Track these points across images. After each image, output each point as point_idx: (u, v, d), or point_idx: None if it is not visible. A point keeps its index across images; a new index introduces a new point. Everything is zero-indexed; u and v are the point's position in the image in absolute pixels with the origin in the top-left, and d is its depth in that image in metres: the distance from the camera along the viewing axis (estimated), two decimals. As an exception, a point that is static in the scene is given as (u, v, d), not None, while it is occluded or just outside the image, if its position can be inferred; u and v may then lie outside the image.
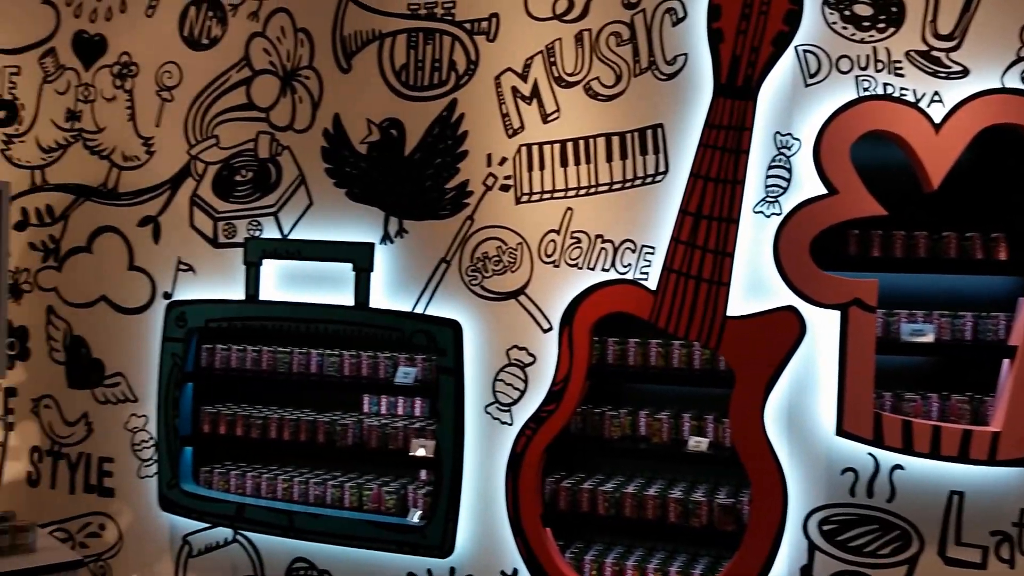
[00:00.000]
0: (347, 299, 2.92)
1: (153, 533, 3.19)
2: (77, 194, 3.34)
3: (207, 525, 3.09)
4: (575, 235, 2.68)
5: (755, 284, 2.46)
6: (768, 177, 2.47)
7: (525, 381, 2.73)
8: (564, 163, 2.69)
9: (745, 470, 2.42)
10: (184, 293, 3.19)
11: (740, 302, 2.45)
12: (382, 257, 2.90)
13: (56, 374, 3.38)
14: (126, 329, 3.28)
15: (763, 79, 2.43)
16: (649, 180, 2.60)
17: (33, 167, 3.41)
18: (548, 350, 2.70)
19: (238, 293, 3.07)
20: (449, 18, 2.82)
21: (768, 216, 2.46)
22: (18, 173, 3.38)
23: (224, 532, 3.08)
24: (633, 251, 2.60)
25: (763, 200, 2.47)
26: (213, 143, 3.13)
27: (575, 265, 2.68)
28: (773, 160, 2.46)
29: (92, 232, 3.33)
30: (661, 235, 2.55)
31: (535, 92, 2.72)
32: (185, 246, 3.18)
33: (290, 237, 3.04)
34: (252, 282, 3.04)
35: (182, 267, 3.19)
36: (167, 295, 3.21)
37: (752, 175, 2.46)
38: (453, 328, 2.77)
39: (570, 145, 2.69)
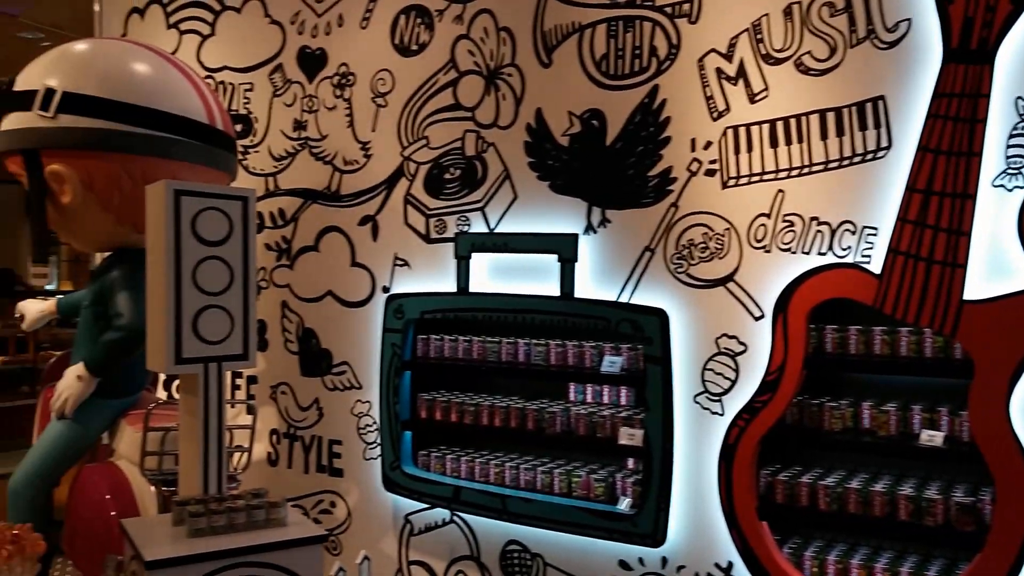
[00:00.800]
0: (553, 289, 2.98)
1: (378, 512, 3.42)
2: (305, 197, 3.65)
3: (427, 506, 3.27)
4: (787, 218, 2.57)
5: (996, 264, 2.25)
6: (1009, 147, 2.24)
7: (736, 370, 2.66)
8: (774, 144, 2.59)
9: (987, 466, 2.22)
10: (401, 287, 3.39)
11: (979, 284, 2.25)
12: (586, 247, 2.93)
13: (291, 363, 3.71)
14: (350, 321, 3.54)
15: (1000, 40, 2.21)
16: (870, 157, 2.44)
17: (266, 174, 3.76)
18: (759, 338, 2.61)
19: (450, 286, 3.22)
20: (649, 3, 2.79)
21: (1010, 190, 2.24)
22: (254, 180, 3.74)
23: (442, 513, 3.25)
24: (853, 233, 2.46)
25: (1004, 172, 2.25)
26: (424, 144, 3.30)
27: (788, 249, 2.57)
28: (1015, 128, 2.23)
29: (319, 232, 3.62)
30: (885, 215, 2.39)
31: (741, 72, 2.64)
32: (400, 242, 3.38)
33: (497, 231, 3.14)
34: (462, 275, 3.18)
35: (398, 262, 3.39)
36: (385, 289, 3.43)
37: (990, 146, 2.24)
38: (659, 317, 2.75)
39: (780, 124, 2.58)
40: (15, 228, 13.50)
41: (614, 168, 2.87)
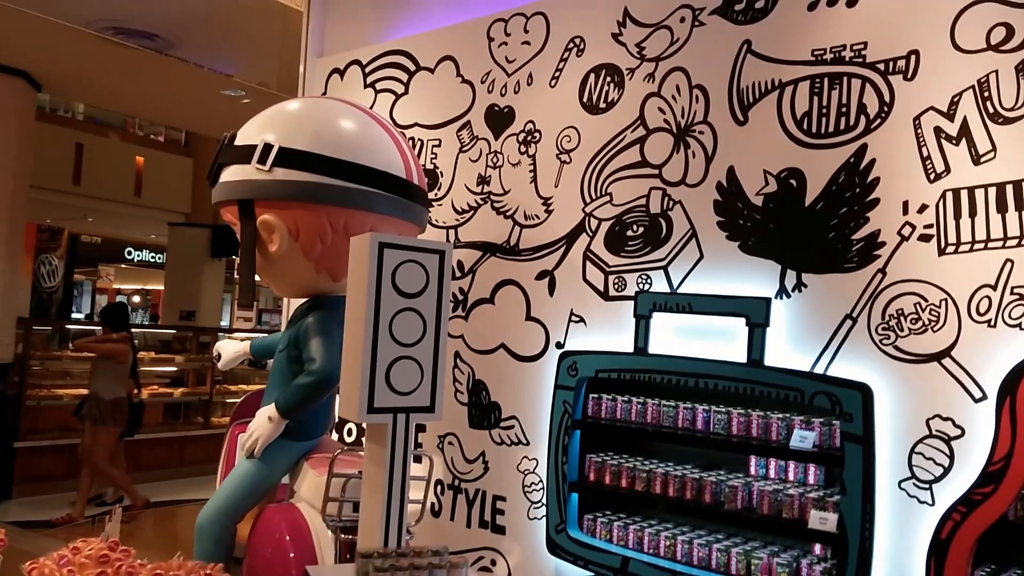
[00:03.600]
0: (739, 355, 2.83)
1: (539, 575, 3.33)
2: (484, 251, 3.70)
3: (592, 574, 3.15)
4: (1017, 290, 2.33)
5: None
6: None
7: (950, 457, 2.41)
8: (1002, 208, 2.36)
9: None
10: (575, 344, 3.34)
11: None
12: (778, 312, 2.78)
13: (459, 414, 3.72)
14: (522, 375, 3.52)
15: None
16: (1122, 226, 2.18)
17: (448, 227, 3.84)
18: (980, 422, 2.36)
19: (627, 345, 3.14)
20: (859, 60, 2.65)
21: None
22: (437, 233, 3.84)
23: (608, 582, 3.12)
24: (1100, 310, 2.19)
25: None
26: (607, 200, 3.27)
27: (1017, 325, 2.32)
28: None
29: (495, 285, 3.64)
30: None
31: (964, 131, 2.44)
32: (577, 298, 3.35)
33: (680, 291, 3.05)
34: (641, 335, 3.10)
35: (574, 318, 3.35)
36: (559, 345, 3.39)
37: None
38: (862, 391, 2.54)
39: (1009, 188, 2.36)
40: (200, 268, 14.64)
41: (813, 230, 2.72)
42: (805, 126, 2.77)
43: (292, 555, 2.68)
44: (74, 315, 15.74)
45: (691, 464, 3.10)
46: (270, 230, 2.93)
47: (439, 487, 3.76)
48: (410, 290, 2.41)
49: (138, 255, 19.88)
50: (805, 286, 2.75)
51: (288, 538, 2.72)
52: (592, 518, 3.22)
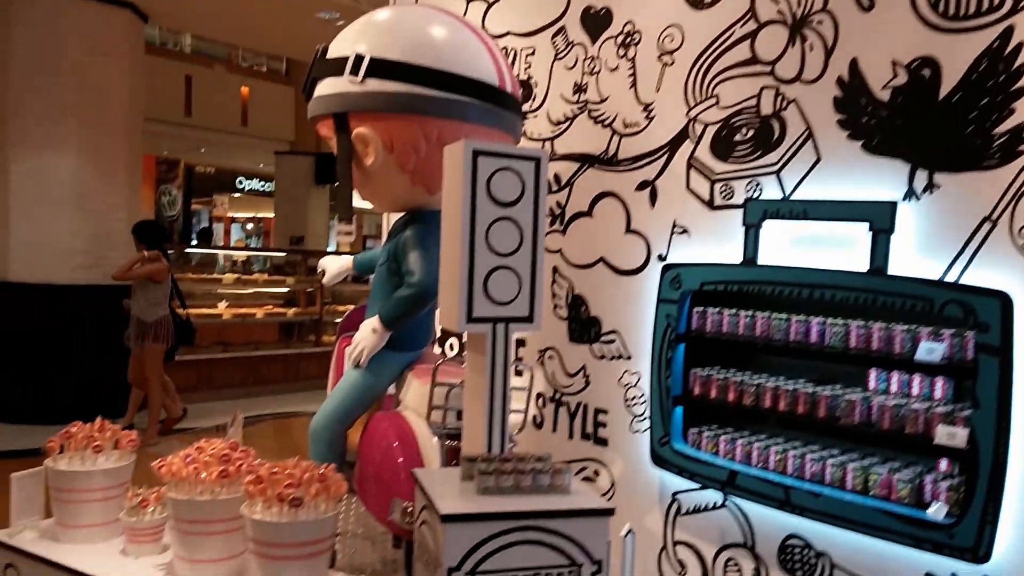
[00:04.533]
0: (859, 264, 2.65)
1: (643, 486, 3.31)
2: (581, 162, 3.58)
3: (697, 486, 3.11)
4: None
5: None
6: None
7: (1098, 368, 2.20)
8: None
9: None
10: (678, 256, 3.22)
11: None
12: (905, 216, 2.57)
13: (559, 329, 3.68)
14: (622, 290, 3.43)
15: None
16: None
17: (544, 139, 3.73)
18: None
19: (735, 256, 3.00)
20: (1009, -73, 2.35)
21: None
22: (532, 145, 3.74)
23: (714, 495, 3.07)
24: None
25: None
26: (712, 103, 3.08)
27: None
28: None
29: (593, 198, 3.54)
30: None
31: None
32: (681, 209, 3.21)
33: (793, 197, 2.86)
34: (751, 245, 2.95)
35: (677, 230, 3.22)
36: (662, 257, 3.28)
37: None
38: (1001, 300, 2.34)
39: None
40: (306, 196, 15.04)
41: (948, 125, 2.47)
42: (941, 8, 2.49)
43: (400, 460, 2.73)
44: (193, 243, 16.54)
45: (802, 378, 2.97)
46: (365, 143, 2.91)
47: (540, 400, 3.77)
48: (506, 199, 2.35)
49: (249, 184, 20.62)
50: (937, 187, 2.52)
51: (396, 444, 2.78)
52: (697, 432, 3.16)
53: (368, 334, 2.96)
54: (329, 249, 15.55)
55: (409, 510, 2.68)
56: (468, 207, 2.30)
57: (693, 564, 3.12)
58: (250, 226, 23.76)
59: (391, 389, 3.23)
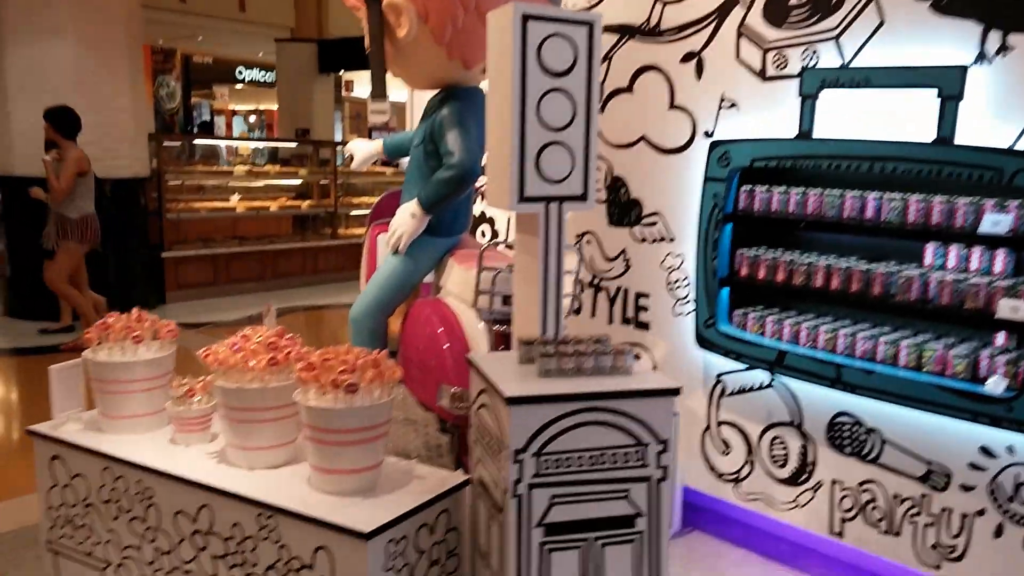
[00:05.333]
0: (922, 135, 2.52)
1: (687, 369, 3.29)
2: (620, 34, 3.38)
3: (743, 367, 3.08)
4: None
5: None
6: None
7: None
8: None
9: None
10: (726, 132, 3.08)
11: None
12: (975, 81, 2.42)
13: (597, 212, 3.58)
14: (665, 169, 3.31)
15: None
16: None
17: (580, 9, 3.51)
18: None
19: (789, 130, 2.86)
20: None
21: None
22: (567, 17, 3.52)
23: (760, 376, 3.05)
24: None
25: None
26: (767, -37, 2.87)
27: None
28: None
29: (634, 72, 3.36)
30: None
31: None
32: (729, 81, 3.04)
33: (853, 64, 2.69)
34: (806, 117, 2.80)
35: (725, 104, 3.06)
36: (708, 134, 3.14)
37: None
38: (1079, 166, 2.22)
39: None
40: (310, 85, 14.60)
41: (1034, -23, 2.29)
42: None
43: (446, 346, 2.70)
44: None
45: (855, 255, 2.88)
46: (397, 13, 2.73)
47: (579, 287, 3.71)
48: (557, 68, 2.21)
49: (249, 74, 20.04)
50: (1011, 48, 2.36)
51: (440, 330, 2.74)
52: (743, 313, 3.10)
53: (407, 219, 2.87)
54: (336, 139, 15.24)
55: (459, 395, 2.67)
56: (518, 78, 2.16)
57: (738, 443, 3.13)
58: (252, 119, 23.26)
59: (429, 277, 3.16)
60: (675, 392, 1.99)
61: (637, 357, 3.52)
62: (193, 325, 7.01)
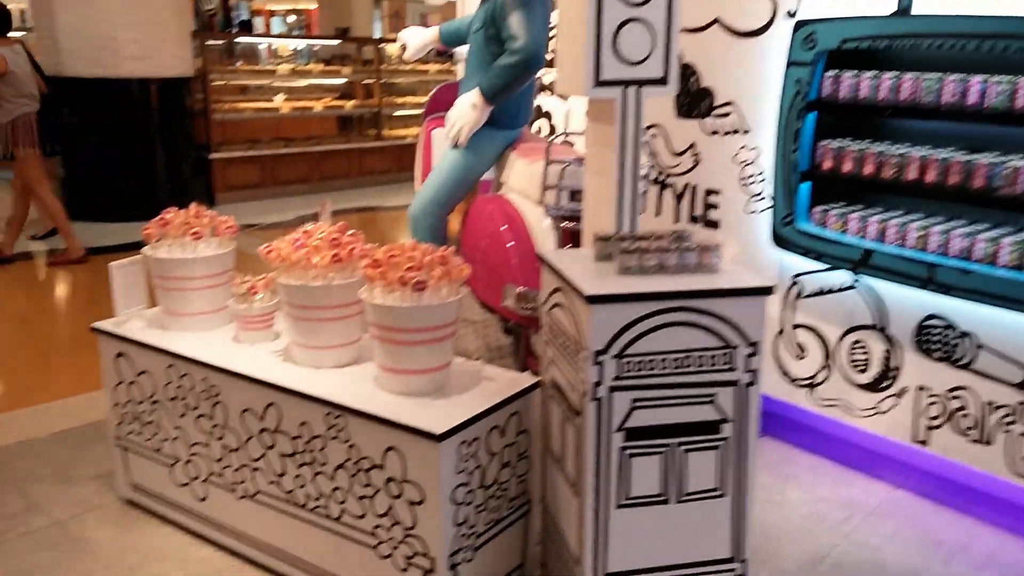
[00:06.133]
0: (1046, 6, 2.25)
1: (760, 269, 3.12)
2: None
3: (823, 267, 2.91)
4: None
5: None
6: None
7: None
8: None
9: None
10: (811, 10, 2.81)
11: None
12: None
13: (663, 102, 3.36)
14: (741, 54, 3.06)
15: None
16: None
17: None
18: None
19: (884, 6, 2.59)
20: None
21: None
22: None
23: (841, 277, 2.88)
24: None
25: None
26: None
27: None
28: None
29: (711, -55, 3.07)
30: None
31: None
32: (820, -48, 2.76)
33: (968, -73, 2.40)
34: (908, -10, 2.53)
35: (814, -22, 2.79)
36: (791, 14, 2.87)
37: None
38: None
39: None
40: (350, -23, 14.08)
41: None
42: None
43: (511, 244, 2.58)
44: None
45: (953, 146, 2.65)
46: None
47: (646, 185, 3.52)
48: (639, -66, 1.98)
49: (287, -29, 19.48)
50: None
51: (504, 227, 2.62)
52: (824, 210, 2.91)
53: (467, 110, 2.70)
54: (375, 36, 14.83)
55: (525, 295, 2.56)
56: (596, -55, 1.95)
57: (814, 347, 3.00)
58: (291, 19, 22.77)
59: (488, 174, 3.02)
60: (768, 291, 1.85)
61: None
62: (244, 227, 6.98)
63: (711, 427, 1.87)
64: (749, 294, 1.83)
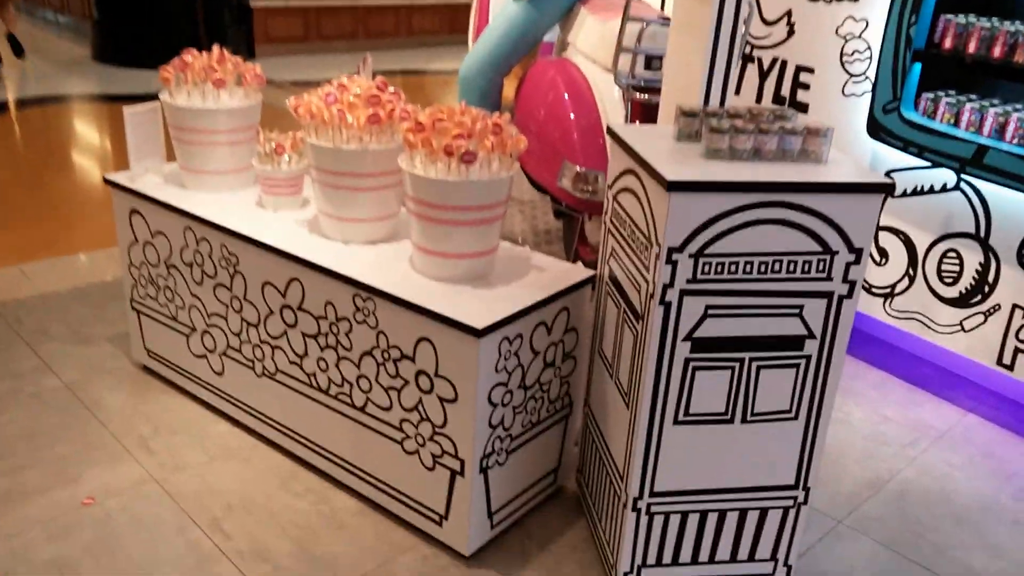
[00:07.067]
0: None
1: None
2: None
3: (925, 164, 2.55)
4: None
5: None
6: None
7: None
8: None
9: None
10: None
11: None
12: None
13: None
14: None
15: None
16: None
17: None
18: None
19: None
20: None
21: None
22: None
23: (944, 176, 2.51)
24: None
25: None
26: None
27: None
28: None
29: None
30: None
31: None
32: None
33: None
34: None
35: None
36: None
37: None
38: None
39: None
40: None
41: None
42: None
43: (573, 116, 2.25)
44: None
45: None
46: None
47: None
48: None
49: None
50: None
51: (567, 96, 2.28)
52: (933, 97, 2.52)
53: (532, -48, 2.32)
54: None
55: (584, 176, 2.26)
56: None
57: (897, 252, 2.67)
58: None
59: (551, 34, 2.65)
60: (889, 190, 1.53)
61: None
62: (283, 84, 6.65)
63: (793, 343, 1.61)
64: (863, 190, 1.51)
